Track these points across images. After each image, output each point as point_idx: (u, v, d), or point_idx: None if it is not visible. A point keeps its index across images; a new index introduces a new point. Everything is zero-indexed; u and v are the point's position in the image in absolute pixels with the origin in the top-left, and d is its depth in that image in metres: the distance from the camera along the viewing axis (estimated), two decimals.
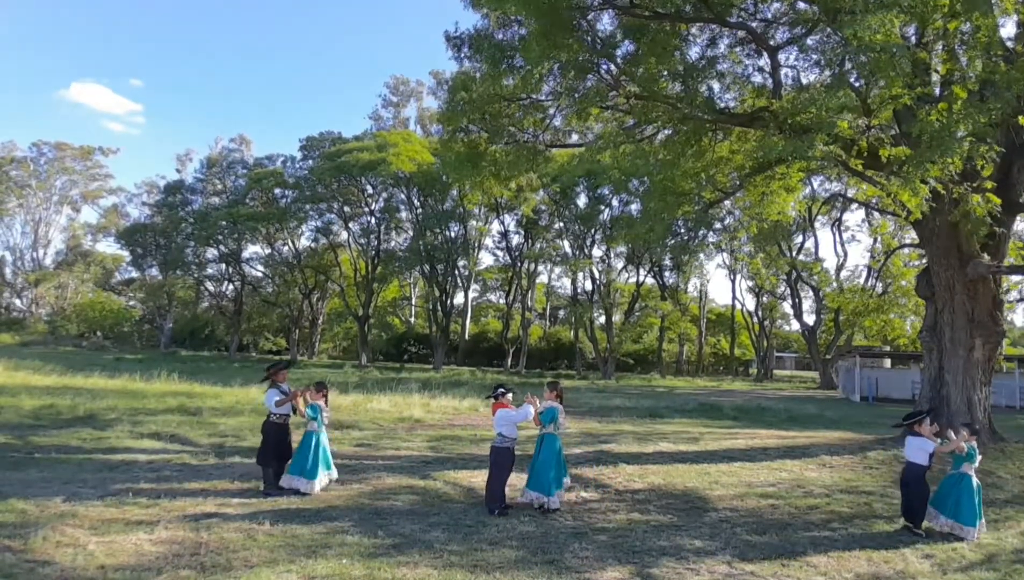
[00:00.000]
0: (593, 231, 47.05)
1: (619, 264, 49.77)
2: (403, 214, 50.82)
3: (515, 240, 51.48)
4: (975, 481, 7.98)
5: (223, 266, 59.19)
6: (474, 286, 59.30)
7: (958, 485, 7.97)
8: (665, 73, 12.80)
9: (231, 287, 61.50)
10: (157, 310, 62.61)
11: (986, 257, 12.63)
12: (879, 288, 42.45)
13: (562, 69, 12.55)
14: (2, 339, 53.26)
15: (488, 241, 53.44)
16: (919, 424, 8.36)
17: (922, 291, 13.97)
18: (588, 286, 50.56)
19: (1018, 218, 17.14)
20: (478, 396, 21.99)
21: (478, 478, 9.20)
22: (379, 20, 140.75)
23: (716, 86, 13.82)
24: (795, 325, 55.90)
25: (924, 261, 16.17)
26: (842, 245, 61.37)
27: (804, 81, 13.80)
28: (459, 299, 54.23)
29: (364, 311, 50.49)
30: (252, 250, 58.27)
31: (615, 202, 45.21)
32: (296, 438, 9.12)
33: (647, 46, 12.24)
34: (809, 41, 12.44)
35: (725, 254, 50.80)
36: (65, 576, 5.72)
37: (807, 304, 49.75)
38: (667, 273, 52.07)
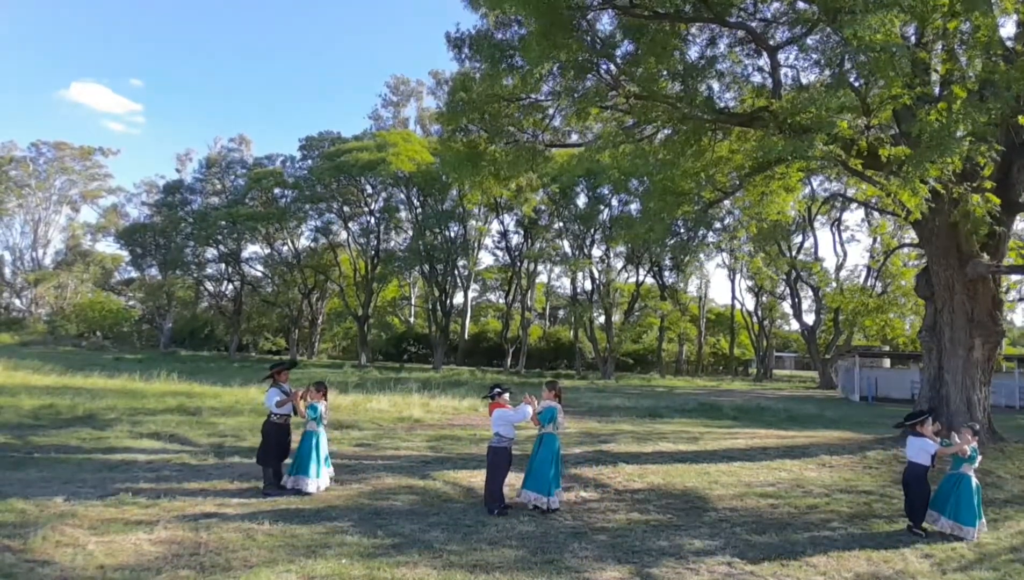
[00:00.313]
0: (593, 231, 47.05)
1: (619, 264, 49.80)
2: (403, 214, 50.83)
3: (515, 240, 51.51)
4: (974, 481, 7.98)
5: (222, 266, 59.20)
6: (474, 286, 59.37)
7: (957, 485, 7.97)
8: (665, 73, 12.79)
9: (231, 287, 61.52)
10: (156, 310, 62.59)
11: (985, 257, 12.64)
12: (878, 288, 42.42)
13: (562, 69, 12.54)
14: (2, 339, 53.26)
15: (488, 241, 53.53)
16: (921, 425, 8.35)
17: (921, 291, 13.97)
18: (588, 286, 50.61)
19: (1018, 218, 17.13)
20: (477, 396, 21.96)
21: (478, 478, 9.19)
22: (379, 20, 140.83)
23: (716, 86, 13.82)
24: (794, 325, 55.99)
25: (923, 261, 16.18)
26: (841, 245, 61.27)
27: (804, 81, 13.80)
28: (459, 299, 54.28)
29: (364, 311, 50.49)
30: (252, 250, 58.36)
31: (615, 202, 45.25)
32: (295, 438, 9.12)
33: (647, 46, 12.23)
34: (809, 41, 12.44)
35: (725, 254, 50.87)
36: (64, 576, 5.72)
37: (806, 304, 49.85)
38: (667, 273, 52.07)
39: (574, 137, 16.21)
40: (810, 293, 48.27)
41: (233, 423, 14.27)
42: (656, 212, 14.56)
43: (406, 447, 12.55)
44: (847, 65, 11.24)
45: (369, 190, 49.59)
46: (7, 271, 67.88)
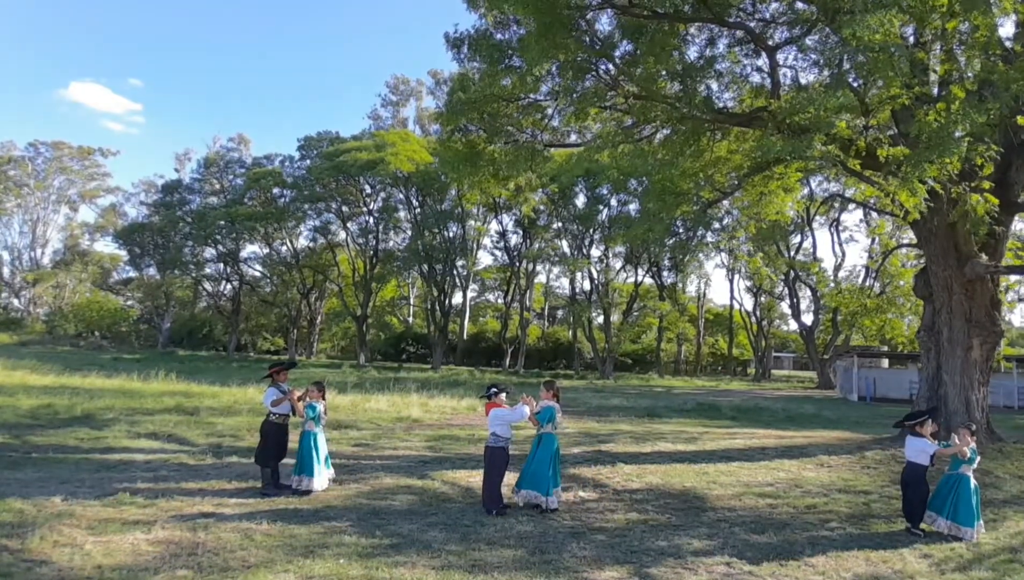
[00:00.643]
0: (591, 231, 47.06)
1: (617, 264, 49.78)
2: (401, 214, 50.82)
3: (513, 240, 51.51)
4: (973, 482, 7.98)
5: (221, 266, 59.15)
6: (472, 286, 59.34)
7: (956, 486, 7.97)
8: (664, 73, 12.79)
9: (229, 287, 61.48)
10: (155, 310, 62.53)
11: (984, 257, 12.64)
12: (877, 288, 42.45)
13: (560, 69, 12.54)
14: (0, 338, 53.18)
15: (486, 241, 53.53)
16: (921, 426, 8.34)
17: (920, 291, 13.98)
18: (586, 286, 50.61)
19: (1016, 218, 17.14)
20: (476, 396, 21.98)
21: (476, 478, 9.18)
22: (379, 20, 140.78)
23: (715, 86, 13.82)
24: (793, 325, 56.07)
25: (922, 261, 16.19)
26: (840, 245, 61.61)
27: (802, 81, 13.82)
28: (457, 299, 54.28)
29: (362, 311, 50.46)
30: (250, 250, 58.35)
31: (614, 202, 45.27)
32: (293, 437, 9.11)
33: (646, 46, 12.23)
34: (808, 41, 12.44)
35: (723, 254, 50.88)
36: (62, 576, 5.71)
37: (805, 304, 49.93)
38: (665, 273, 52.09)
39: (573, 137, 16.20)
40: (808, 293, 48.36)
41: (231, 423, 14.26)
42: (655, 212, 14.57)
43: (404, 447, 12.54)
44: (846, 65, 11.24)
45: (368, 190, 49.57)
46: (5, 271, 67.82)
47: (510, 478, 8.66)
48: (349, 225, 51.71)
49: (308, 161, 51.60)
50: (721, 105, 13.72)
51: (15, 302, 68.57)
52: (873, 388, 32.63)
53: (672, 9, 11.65)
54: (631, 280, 51.42)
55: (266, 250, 56.44)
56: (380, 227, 50.37)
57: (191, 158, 68.00)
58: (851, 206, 41.01)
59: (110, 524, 7.01)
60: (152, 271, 61.14)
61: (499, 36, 12.89)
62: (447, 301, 49.79)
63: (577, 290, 51.89)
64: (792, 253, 45.94)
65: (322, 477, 8.79)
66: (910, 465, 8.22)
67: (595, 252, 48.37)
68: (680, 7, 11.79)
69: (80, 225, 71.42)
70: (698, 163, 13.59)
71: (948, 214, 11.87)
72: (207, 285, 62.31)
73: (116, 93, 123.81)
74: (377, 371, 39.30)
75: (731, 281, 54.31)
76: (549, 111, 14.45)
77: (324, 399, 9.23)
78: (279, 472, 8.93)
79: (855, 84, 11.41)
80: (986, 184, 10.96)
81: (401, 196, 49.04)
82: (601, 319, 48.54)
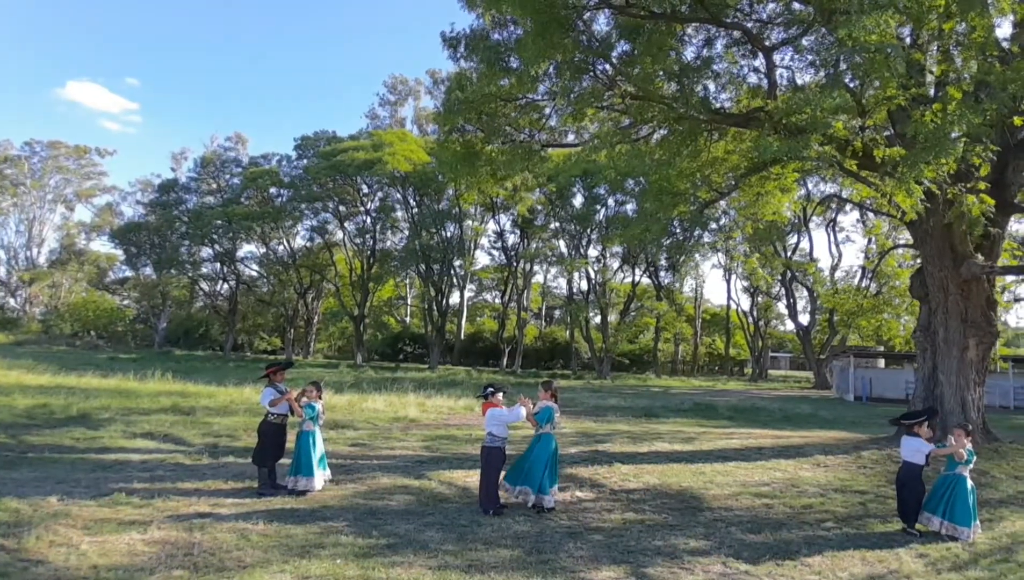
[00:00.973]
0: (589, 231, 47.07)
1: (615, 264, 49.79)
2: (399, 213, 50.74)
3: (511, 240, 51.51)
4: (969, 482, 8.00)
5: (218, 265, 58.98)
6: (470, 286, 59.28)
7: (952, 486, 7.98)
8: (661, 73, 12.79)
9: (226, 286, 61.31)
10: (151, 309, 62.38)
11: (980, 257, 12.68)
12: (873, 288, 42.60)
13: (558, 69, 12.53)
14: None
15: (484, 241, 53.47)
16: (919, 426, 8.36)
17: (916, 291, 14.01)
18: (584, 286, 50.61)
19: (1012, 218, 17.19)
20: (473, 396, 21.97)
21: (473, 478, 9.18)
22: (377, 20, 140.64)
23: (712, 86, 13.82)
24: (790, 325, 56.05)
25: (918, 261, 16.23)
26: (837, 246, 61.78)
27: (799, 81, 13.82)
28: (455, 299, 54.24)
29: (359, 311, 50.40)
30: (247, 249, 58.20)
31: (611, 202, 45.31)
32: (290, 437, 9.09)
33: (643, 46, 12.22)
34: (804, 41, 12.46)
35: (720, 254, 50.94)
36: (58, 576, 5.69)
37: (801, 304, 49.93)
38: (662, 273, 52.13)
39: (570, 137, 16.20)
40: (805, 293, 48.43)
41: (228, 423, 14.23)
42: (652, 212, 14.58)
43: (401, 447, 12.53)
44: (842, 66, 11.25)
45: (365, 189, 49.49)
46: (1, 270, 67.70)
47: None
48: (346, 225, 51.63)
49: (305, 161, 51.49)
50: (718, 105, 13.73)
51: (11, 302, 68.39)
52: (869, 388, 32.70)
53: (669, 9, 11.66)
54: (628, 280, 51.45)
55: (263, 250, 56.36)
56: (377, 227, 50.31)
57: (187, 157, 67.90)
58: (848, 207, 41.13)
59: (106, 524, 6.99)
60: (148, 271, 60.89)
61: (496, 36, 12.87)
62: (444, 301, 49.76)
63: (574, 290, 51.92)
64: (789, 253, 46.02)
65: (319, 477, 8.79)
66: (906, 465, 8.24)
67: (592, 252, 48.45)
68: (677, 7, 11.80)
69: (76, 224, 71.32)
70: (695, 163, 13.60)
71: (944, 215, 11.90)
72: (204, 285, 62.16)
73: (113, 92, 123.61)
74: (374, 371, 39.26)
75: (728, 281, 54.44)
76: (547, 111, 14.45)
77: (321, 399, 9.21)
78: (276, 472, 8.92)
79: (851, 85, 11.43)
80: (982, 185, 11.00)
81: (398, 196, 48.98)
82: (598, 319, 48.56)
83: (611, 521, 8.01)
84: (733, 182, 14.44)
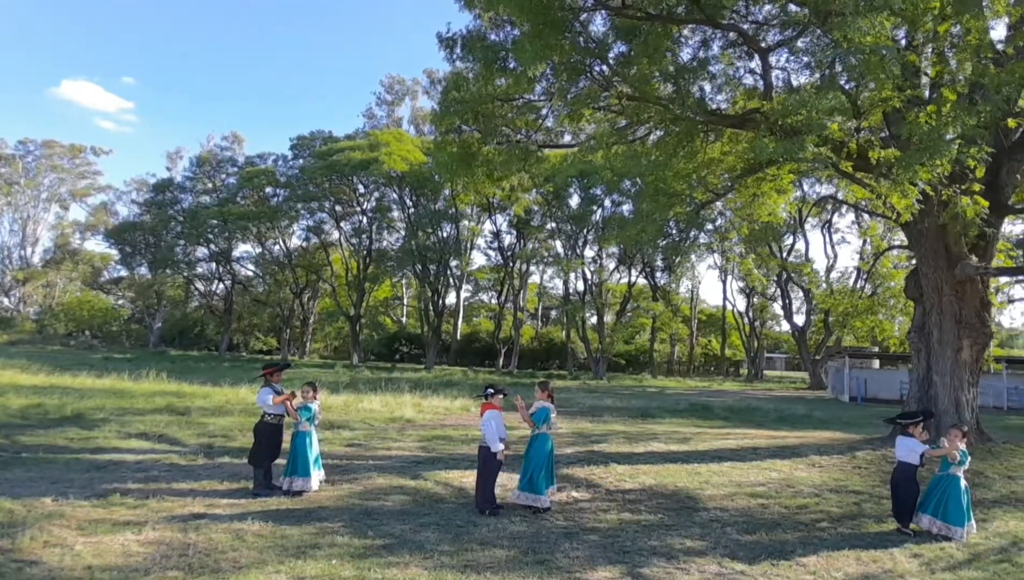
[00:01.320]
0: (585, 231, 47.12)
1: (611, 265, 49.87)
2: (395, 214, 50.71)
3: (507, 240, 51.56)
4: (963, 482, 8.02)
5: (213, 265, 58.89)
6: (466, 286, 59.26)
7: (946, 486, 8.00)
8: (657, 74, 12.81)
9: (221, 286, 61.22)
10: (146, 309, 62.20)
11: (974, 258, 12.73)
12: (868, 289, 42.75)
13: (555, 70, 12.54)
14: None
15: (480, 241, 53.47)
16: (914, 427, 8.39)
17: (910, 292, 14.06)
18: (580, 286, 50.62)
19: (1006, 219, 17.25)
20: (470, 396, 21.97)
21: (469, 478, 9.18)
22: (374, 20, 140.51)
23: (708, 87, 13.85)
24: (785, 326, 56.21)
25: (913, 262, 16.28)
26: (832, 247, 61.80)
27: (795, 83, 13.88)
28: (451, 299, 54.24)
29: (355, 311, 50.33)
30: (243, 249, 58.16)
31: (607, 203, 45.33)
32: (286, 437, 9.07)
33: (639, 47, 12.24)
34: (800, 43, 12.49)
35: (716, 255, 51.04)
36: (52, 576, 5.67)
37: (797, 305, 50.05)
38: (658, 274, 52.21)
39: (567, 137, 16.21)
40: (801, 294, 48.55)
41: (223, 423, 14.20)
42: (648, 213, 14.58)
43: (397, 447, 12.52)
44: (838, 67, 11.29)
45: (361, 189, 49.47)
46: None
47: (503, 478, 8.66)
48: (342, 225, 51.59)
49: (301, 160, 51.46)
50: (714, 106, 13.75)
51: (5, 301, 68.05)
52: (864, 389, 32.80)
53: (665, 11, 11.68)
54: (624, 281, 51.50)
55: (259, 249, 56.26)
56: (374, 227, 50.27)
57: (183, 157, 67.67)
58: (843, 208, 41.24)
59: (100, 524, 6.97)
60: (143, 270, 60.75)
61: (493, 37, 12.87)
62: (441, 301, 49.75)
63: (571, 290, 51.96)
64: (784, 254, 46.14)
65: (315, 478, 8.78)
66: (900, 465, 8.27)
67: (589, 252, 48.49)
68: (673, 9, 11.82)
69: (71, 224, 71.06)
70: (691, 164, 13.62)
71: (939, 216, 11.94)
72: (199, 284, 62.00)
73: (108, 91, 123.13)
74: (370, 371, 39.21)
75: (724, 282, 54.56)
76: (543, 112, 14.45)
77: (317, 399, 9.20)
78: (271, 473, 8.90)
79: (847, 86, 11.47)
80: (976, 186, 11.03)
81: (395, 196, 48.95)
82: (595, 320, 48.60)
83: (607, 521, 8.01)
84: (729, 183, 14.46)
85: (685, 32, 13.45)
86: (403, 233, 50.21)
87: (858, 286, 44.57)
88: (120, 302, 67.45)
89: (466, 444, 12.73)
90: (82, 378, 22.29)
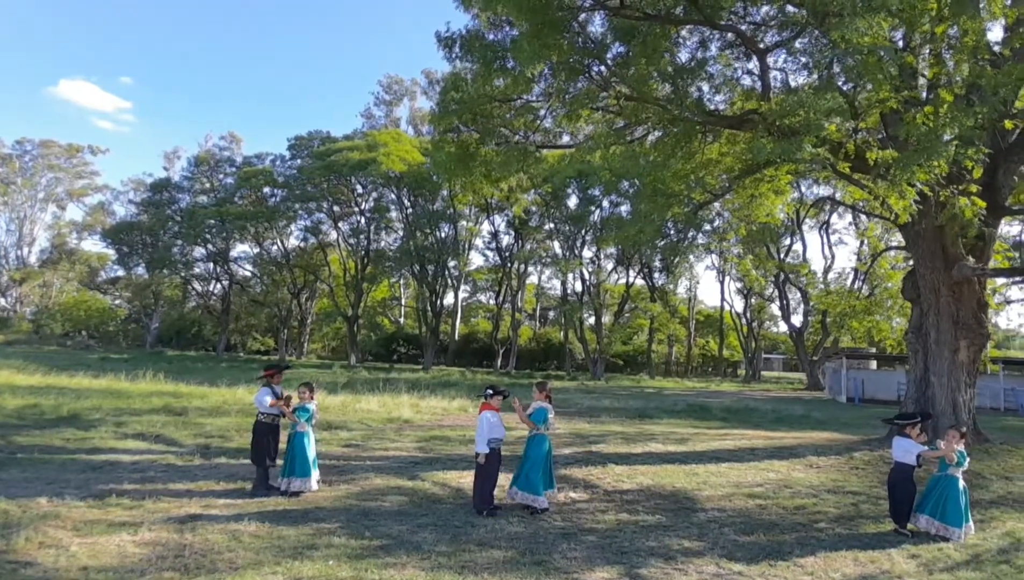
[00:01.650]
0: (583, 232, 47.13)
1: (609, 265, 49.91)
2: (393, 214, 50.68)
3: (505, 241, 51.55)
4: (961, 483, 8.03)
5: (211, 265, 58.79)
6: (464, 286, 59.25)
7: (945, 487, 8.00)
8: (655, 74, 12.82)
9: (219, 286, 61.12)
10: (143, 309, 62.07)
11: (971, 259, 12.75)
12: (865, 290, 42.80)
13: (553, 70, 12.54)
14: None
15: (478, 241, 53.48)
16: (911, 427, 8.39)
17: (908, 293, 14.08)
18: (578, 287, 50.67)
19: (1003, 221, 17.29)
20: (468, 397, 21.95)
21: (467, 479, 9.17)
22: (372, 20, 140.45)
23: (706, 88, 13.88)
24: (783, 327, 56.33)
25: (910, 264, 16.31)
26: (829, 248, 61.69)
27: (793, 84, 13.90)
28: (449, 299, 54.20)
29: (353, 311, 50.29)
30: (240, 249, 58.05)
31: (605, 203, 45.36)
32: (283, 437, 9.05)
33: (638, 48, 12.25)
34: (798, 44, 12.52)
35: (714, 256, 51.13)
36: (47, 577, 5.65)
37: (794, 306, 50.15)
38: (656, 274, 52.25)
39: (565, 138, 16.21)
40: (798, 295, 48.62)
41: (220, 423, 14.15)
42: (646, 213, 14.58)
43: (395, 448, 12.50)
44: (835, 68, 11.31)
45: (359, 190, 49.43)
46: None
47: (501, 479, 8.64)
48: (340, 225, 51.56)
49: (299, 161, 51.42)
50: (712, 107, 13.77)
51: (2, 301, 67.84)
52: (861, 389, 32.84)
53: (664, 11, 11.69)
54: (622, 281, 51.55)
55: (256, 250, 56.18)
56: (371, 227, 50.23)
57: (180, 157, 67.53)
58: (840, 209, 41.30)
59: (96, 525, 6.94)
60: (140, 270, 60.62)
61: (491, 37, 12.87)
62: (439, 302, 49.72)
63: (569, 291, 51.96)
64: (782, 255, 46.21)
65: (312, 478, 8.76)
66: (897, 465, 8.26)
67: (587, 253, 48.53)
68: (672, 9, 11.84)
69: (68, 223, 70.85)
70: (689, 165, 13.63)
71: (936, 217, 11.97)
72: (196, 284, 61.91)
73: (106, 91, 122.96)
74: (368, 372, 39.15)
75: (721, 283, 54.64)
76: (541, 112, 14.45)
77: (314, 399, 9.19)
78: (268, 473, 8.88)
79: (845, 87, 11.49)
80: (973, 187, 11.05)
81: (393, 196, 48.93)
82: (592, 320, 48.62)
83: (605, 522, 8.00)
84: (727, 184, 14.48)
85: (683, 33, 13.47)
86: (401, 233, 50.19)
87: (855, 287, 44.62)
88: (117, 302, 67.32)
89: (464, 445, 12.71)
90: (79, 378, 22.22)
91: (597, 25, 13.42)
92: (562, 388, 31.83)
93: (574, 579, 6.16)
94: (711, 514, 8.52)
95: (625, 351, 55.18)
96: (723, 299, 56.19)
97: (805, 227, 45.92)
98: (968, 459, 8.34)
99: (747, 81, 13.97)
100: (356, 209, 50.60)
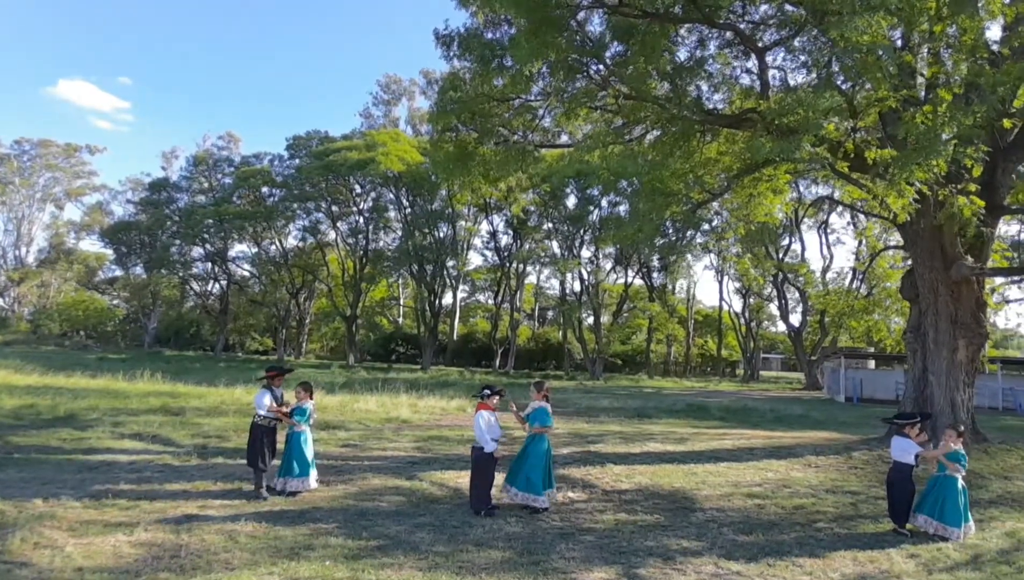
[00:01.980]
0: (582, 232, 47.11)
1: (608, 265, 49.88)
2: (392, 214, 50.64)
3: (504, 240, 51.52)
4: (960, 482, 8.01)
5: (209, 265, 58.75)
6: (463, 286, 59.24)
7: (944, 487, 7.99)
8: (654, 73, 12.79)
9: (217, 286, 61.05)
10: (141, 309, 61.98)
11: (969, 259, 12.74)
12: (864, 290, 42.81)
13: (551, 69, 12.51)
14: None
15: (477, 241, 53.46)
16: (910, 427, 8.38)
17: (906, 293, 14.06)
18: (577, 287, 50.67)
19: (1001, 220, 17.28)
20: (466, 396, 21.92)
21: (464, 478, 9.13)
22: (371, 21, 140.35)
23: (704, 87, 13.85)
24: (781, 326, 56.38)
25: (908, 263, 16.29)
26: (828, 247, 61.77)
27: (792, 83, 13.87)
28: (447, 299, 54.16)
29: (352, 311, 50.23)
30: (239, 249, 58.00)
31: (604, 203, 45.34)
32: (280, 438, 9.01)
33: (636, 46, 12.21)
34: (796, 42, 12.49)
35: (713, 255, 51.13)
36: (42, 578, 5.62)
37: (793, 305, 50.19)
38: (655, 274, 52.25)
39: (564, 138, 16.17)
40: (796, 295, 48.64)
41: (217, 424, 14.11)
42: (645, 212, 14.55)
43: (393, 448, 12.47)
44: (834, 67, 11.29)
45: (358, 190, 49.36)
46: None
47: (499, 478, 8.61)
48: (339, 225, 51.49)
49: (297, 160, 51.35)
50: (711, 106, 13.75)
51: (0, 301, 67.75)
52: (860, 389, 32.85)
53: (662, 9, 11.66)
54: (621, 281, 51.53)
55: (255, 249, 56.12)
56: (370, 227, 50.19)
57: (178, 156, 67.43)
58: (839, 209, 41.32)
59: (91, 526, 6.91)
60: (139, 270, 60.58)
61: (490, 35, 12.84)
62: (437, 302, 49.66)
63: (567, 291, 51.95)
64: (780, 255, 46.22)
65: (310, 478, 8.72)
66: (896, 465, 8.25)
67: (585, 253, 48.53)
68: (670, 7, 11.80)
69: (66, 223, 70.77)
70: (688, 164, 13.59)
71: (935, 216, 11.95)
72: (195, 284, 61.85)
73: (105, 91, 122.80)
74: (366, 371, 39.12)
75: (720, 283, 54.66)
76: (540, 112, 14.42)
77: (312, 399, 9.16)
78: (263, 475, 8.82)
79: (843, 86, 11.46)
80: (972, 186, 11.03)
81: (391, 196, 48.88)
82: (591, 320, 48.60)
83: (603, 522, 7.98)
84: (726, 183, 14.45)
85: (682, 31, 13.43)
86: (400, 233, 50.13)
87: (854, 286, 44.64)
88: (115, 302, 67.23)
89: (462, 445, 12.68)
90: (76, 378, 22.18)
91: (595, 24, 13.40)
92: (561, 388, 31.80)
93: (572, 579, 6.13)
94: (710, 514, 8.50)
95: (624, 351, 55.18)
96: (722, 299, 56.30)
97: (803, 227, 46.00)
98: (967, 459, 8.32)
99: (746, 80, 13.96)
100: (355, 209, 50.54)
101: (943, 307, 12.69)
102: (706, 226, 42.96)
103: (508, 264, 50.44)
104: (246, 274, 59.66)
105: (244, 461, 9.05)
